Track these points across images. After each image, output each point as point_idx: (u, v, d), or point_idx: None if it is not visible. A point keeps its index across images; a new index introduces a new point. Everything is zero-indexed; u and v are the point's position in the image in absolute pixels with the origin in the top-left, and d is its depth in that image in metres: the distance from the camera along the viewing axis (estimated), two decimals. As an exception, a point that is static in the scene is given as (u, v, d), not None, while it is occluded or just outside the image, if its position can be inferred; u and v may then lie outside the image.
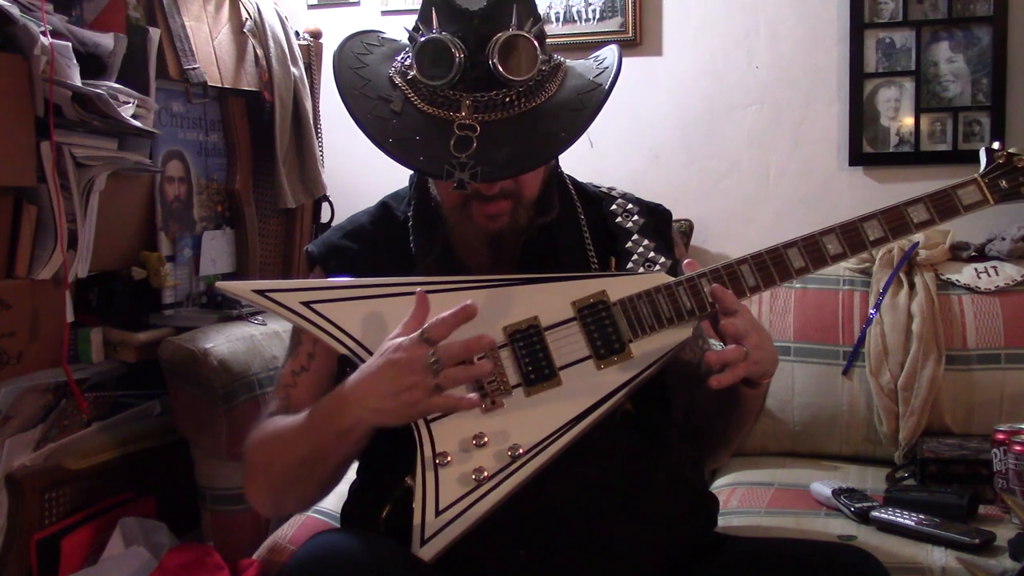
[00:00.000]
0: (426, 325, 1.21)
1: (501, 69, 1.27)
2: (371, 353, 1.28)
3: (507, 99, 1.29)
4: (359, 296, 1.33)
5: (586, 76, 1.37)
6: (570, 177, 1.53)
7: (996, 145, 1.39)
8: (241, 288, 1.35)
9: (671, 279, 1.33)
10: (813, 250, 1.34)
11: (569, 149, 1.50)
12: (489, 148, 1.26)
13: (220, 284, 1.38)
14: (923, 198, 1.34)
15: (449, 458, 1.24)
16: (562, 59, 1.40)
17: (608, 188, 1.55)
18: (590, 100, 1.32)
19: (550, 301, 1.32)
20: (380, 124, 1.30)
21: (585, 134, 1.32)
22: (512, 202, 1.35)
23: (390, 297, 1.33)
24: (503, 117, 1.28)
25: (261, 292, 1.33)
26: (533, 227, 1.41)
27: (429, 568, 1.20)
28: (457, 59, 1.27)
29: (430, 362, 1.19)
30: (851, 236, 1.34)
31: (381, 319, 1.31)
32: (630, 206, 1.50)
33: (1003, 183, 1.34)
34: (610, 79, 1.34)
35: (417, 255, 1.42)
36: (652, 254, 1.45)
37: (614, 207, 1.50)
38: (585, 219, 1.47)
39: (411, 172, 1.47)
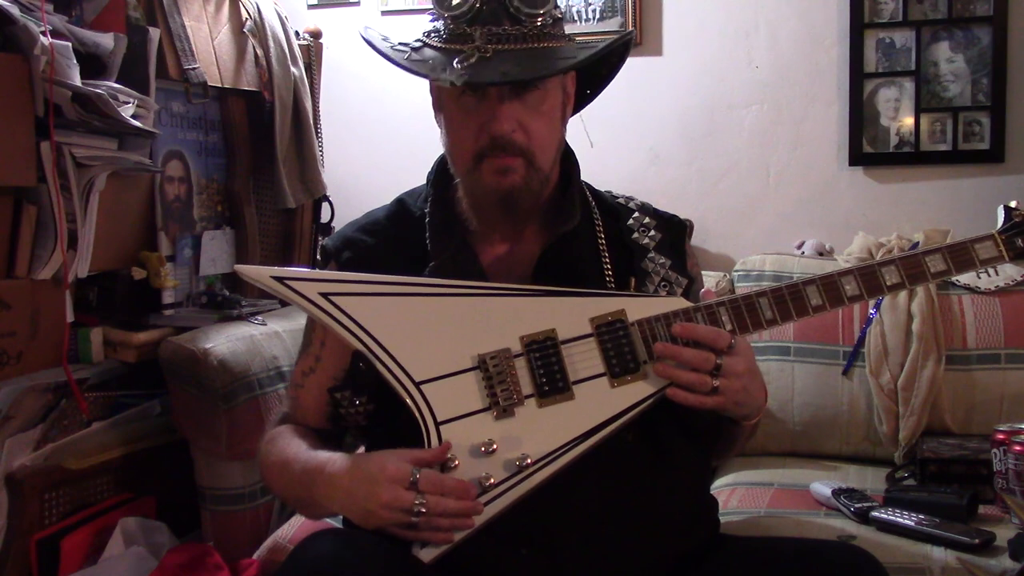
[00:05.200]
0: (422, 474, 1.20)
1: (516, 2, 1.31)
2: (387, 351, 1.28)
3: (518, 33, 1.32)
4: (378, 292, 1.32)
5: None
6: (589, 186, 1.53)
7: (1014, 203, 1.43)
8: (260, 273, 1.34)
9: (690, 304, 1.33)
10: (831, 289, 1.34)
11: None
12: (493, 64, 1.30)
13: (239, 267, 1.37)
14: (942, 249, 1.36)
15: (456, 462, 1.24)
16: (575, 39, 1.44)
17: (626, 199, 1.55)
18: (600, 42, 1.37)
19: (568, 315, 1.32)
20: (398, 54, 1.38)
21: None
22: (524, 161, 1.35)
23: (410, 296, 1.33)
24: (513, 48, 1.32)
25: (280, 279, 1.32)
26: (554, 233, 1.42)
27: (428, 569, 1.20)
28: None
29: (414, 508, 1.18)
30: (869, 280, 1.34)
31: (399, 318, 1.31)
32: (647, 220, 1.50)
33: (1019, 241, 1.37)
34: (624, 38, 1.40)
35: (432, 251, 1.42)
36: (668, 272, 1.45)
37: (631, 221, 1.49)
38: (603, 231, 1.47)
39: (430, 170, 1.49)
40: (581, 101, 1.51)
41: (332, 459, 1.28)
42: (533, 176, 1.37)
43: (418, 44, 1.38)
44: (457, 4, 1.32)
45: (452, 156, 1.42)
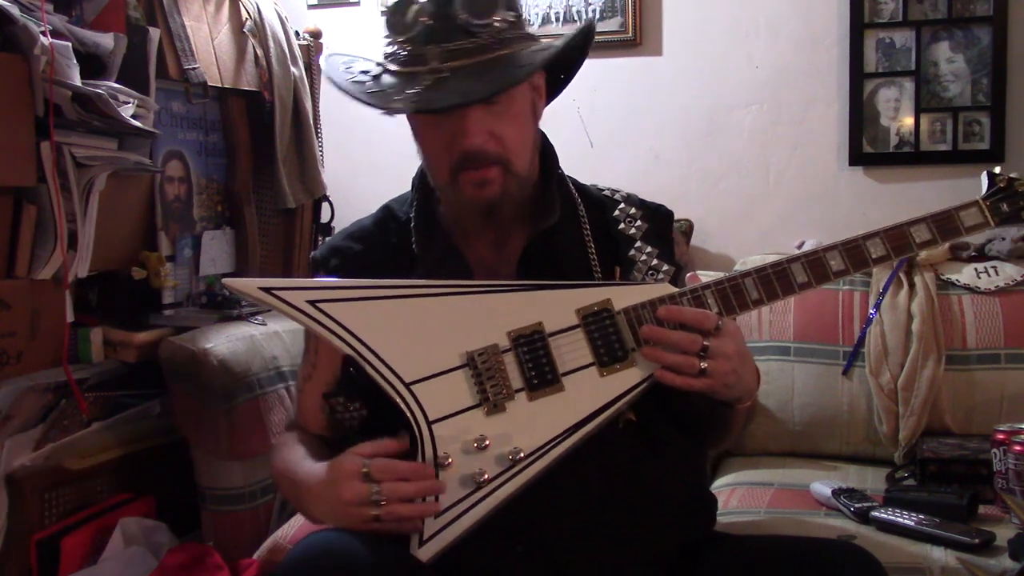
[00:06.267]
0: (372, 463, 1.21)
1: (463, 13, 1.29)
2: (376, 355, 1.29)
3: (473, 46, 1.30)
4: (365, 297, 1.32)
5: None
6: (572, 180, 1.52)
7: (997, 169, 1.41)
8: (247, 285, 1.34)
9: (675, 290, 1.33)
10: (816, 266, 1.34)
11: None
12: (451, 83, 1.28)
13: (226, 280, 1.37)
14: (926, 218, 1.35)
15: (450, 460, 1.24)
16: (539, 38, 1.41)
17: (611, 191, 1.54)
18: (559, 41, 1.35)
19: (555, 308, 1.32)
20: (358, 86, 1.36)
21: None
22: (501, 169, 1.34)
23: (397, 299, 1.33)
24: (471, 63, 1.30)
25: (267, 290, 1.32)
26: (535, 229, 1.41)
27: (425, 568, 1.20)
28: (417, 8, 1.30)
29: (372, 498, 1.20)
30: (854, 253, 1.35)
31: (387, 320, 1.31)
32: (633, 211, 1.50)
33: (1004, 206, 1.36)
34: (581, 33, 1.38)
35: (419, 254, 1.42)
36: (655, 261, 1.45)
37: (617, 213, 1.49)
38: (588, 224, 1.47)
39: (414, 175, 1.48)
40: (557, 86, 1.51)
41: (312, 470, 1.31)
42: (512, 181, 1.36)
43: (378, 70, 1.36)
44: (407, 27, 1.31)
45: (430, 172, 1.42)
